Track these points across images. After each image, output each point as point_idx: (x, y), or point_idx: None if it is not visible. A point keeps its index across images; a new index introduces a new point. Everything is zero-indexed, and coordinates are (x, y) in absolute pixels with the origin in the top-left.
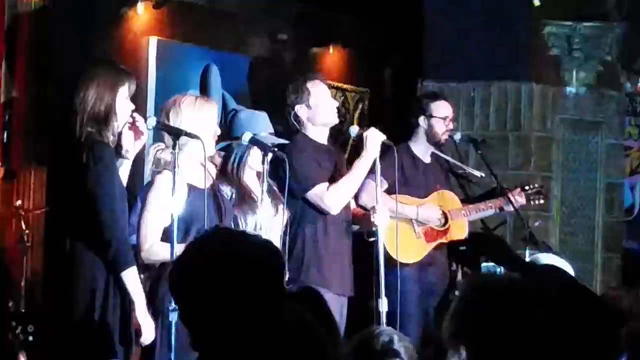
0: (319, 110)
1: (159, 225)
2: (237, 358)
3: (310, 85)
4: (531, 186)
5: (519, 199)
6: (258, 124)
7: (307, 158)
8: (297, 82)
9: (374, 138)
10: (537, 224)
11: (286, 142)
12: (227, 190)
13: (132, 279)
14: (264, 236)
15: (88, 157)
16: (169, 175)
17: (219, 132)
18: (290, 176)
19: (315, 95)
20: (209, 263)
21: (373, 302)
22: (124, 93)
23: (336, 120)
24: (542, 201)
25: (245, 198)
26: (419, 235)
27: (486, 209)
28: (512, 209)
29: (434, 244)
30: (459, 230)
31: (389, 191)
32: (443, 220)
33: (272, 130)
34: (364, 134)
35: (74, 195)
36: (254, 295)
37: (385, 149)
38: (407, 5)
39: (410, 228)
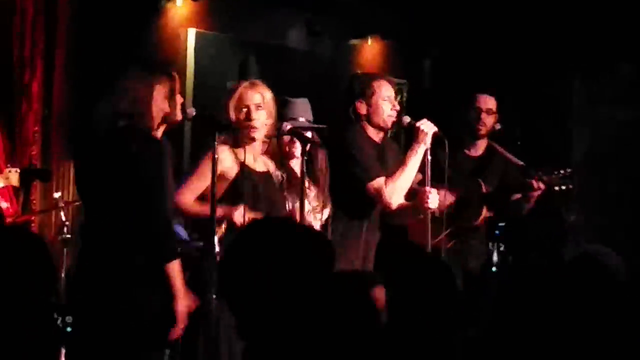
0: (378, 110)
1: (197, 188)
2: (286, 347)
3: (375, 83)
4: (559, 171)
5: (539, 184)
6: (298, 111)
7: (364, 148)
8: (364, 77)
9: (427, 129)
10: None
11: (323, 126)
12: (278, 174)
13: (176, 271)
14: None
15: (135, 147)
16: (222, 149)
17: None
18: (343, 163)
19: (378, 94)
20: (262, 253)
21: None
22: (161, 91)
23: (390, 127)
24: (570, 186)
25: (294, 183)
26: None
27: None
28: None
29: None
30: (477, 214)
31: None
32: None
33: (311, 118)
34: (416, 125)
35: (115, 186)
36: (306, 286)
37: (436, 141)
38: None
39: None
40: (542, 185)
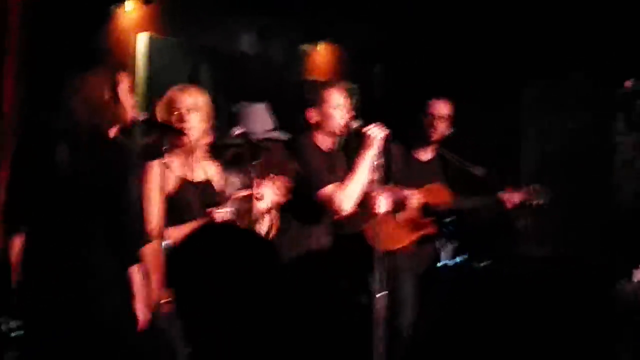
0: (329, 119)
1: (156, 211)
2: (231, 353)
3: (326, 92)
4: (530, 187)
5: (513, 197)
6: (256, 118)
7: (313, 158)
8: (314, 85)
9: (374, 134)
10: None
11: (283, 137)
12: (236, 180)
13: (135, 273)
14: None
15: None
16: (158, 166)
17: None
18: (296, 178)
19: (329, 102)
20: (205, 253)
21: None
22: (124, 86)
23: (341, 134)
24: (540, 202)
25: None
26: (400, 224)
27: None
28: (512, 206)
29: (417, 234)
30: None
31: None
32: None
33: (271, 125)
34: (363, 131)
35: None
36: (247, 286)
37: (385, 145)
38: (398, 1)
39: (391, 217)
40: (516, 200)
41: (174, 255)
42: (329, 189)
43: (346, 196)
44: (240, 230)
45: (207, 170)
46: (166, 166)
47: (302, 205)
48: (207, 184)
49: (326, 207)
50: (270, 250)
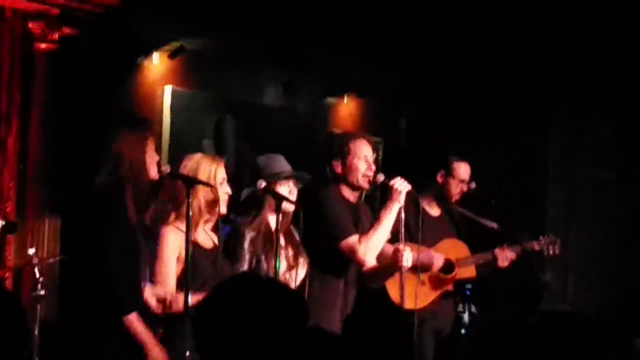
0: (353, 170)
1: (172, 277)
2: None
3: (352, 143)
4: (546, 236)
5: (530, 248)
6: (276, 166)
7: (338, 207)
8: (341, 136)
9: (400, 188)
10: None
11: (307, 176)
12: (252, 237)
13: (135, 323)
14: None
15: (103, 207)
16: (173, 229)
17: (229, 191)
18: (317, 222)
19: (354, 154)
20: (236, 308)
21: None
22: (151, 146)
23: (366, 186)
24: (557, 251)
25: (268, 241)
26: (423, 282)
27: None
28: (504, 265)
29: (439, 292)
30: (469, 272)
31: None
32: (447, 268)
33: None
34: (390, 184)
35: (85, 244)
36: (279, 342)
37: (408, 199)
38: (422, 55)
39: (413, 276)
40: (510, 257)
41: (205, 305)
42: (352, 239)
43: (369, 247)
44: (273, 284)
45: (212, 237)
46: (180, 230)
47: (324, 256)
48: (216, 250)
49: (348, 258)
50: (303, 308)
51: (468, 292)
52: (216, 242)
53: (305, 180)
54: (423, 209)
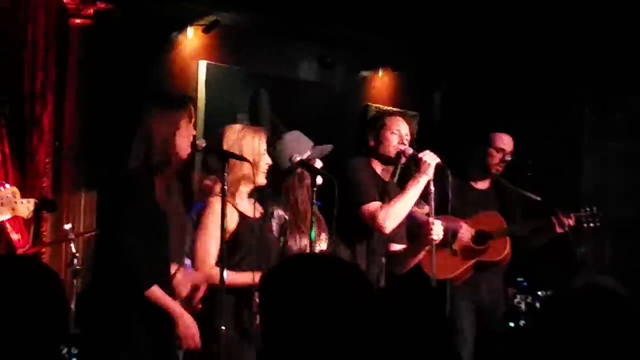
0: (385, 142)
1: (215, 249)
2: None
3: (388, 119)
4: (586, 209)
5: (569, 221)
6: (302, 144)
7: (364, 175)
8: (378, 111)
9: (429, 160)
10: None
11: (329, 147)
12: (281, 215)
13: (157, 294)
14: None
15: (125, 191)
16: (219, 200)
17: (269, 161)
18: (343, 190)
19: (388, 128)
20: (300, 286)
21: None
22: (185, 127)
23: (398, 159)
24: (597, 224)
25: (299, 220)
26: (455, 252)
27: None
28: (561, 230)
29: (471, 262)
30: (500, 250)
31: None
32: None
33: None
34: (419, 156)
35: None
36: (348, 318)
37: (439, 172)
38: (456, 29)
39: (444, 248)
40: (571, 222)
41: (267, 285)
42: (373, 205)
43: (389, 214)
44: (335, 260)
45: (257, 207)
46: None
47: (349, 223)
48: (263, 220)
49: (369, 224)
50: (366, 281)
51: (525, 284)
52: (261, 211)
53: (327, 152)
54: (468, 183)
